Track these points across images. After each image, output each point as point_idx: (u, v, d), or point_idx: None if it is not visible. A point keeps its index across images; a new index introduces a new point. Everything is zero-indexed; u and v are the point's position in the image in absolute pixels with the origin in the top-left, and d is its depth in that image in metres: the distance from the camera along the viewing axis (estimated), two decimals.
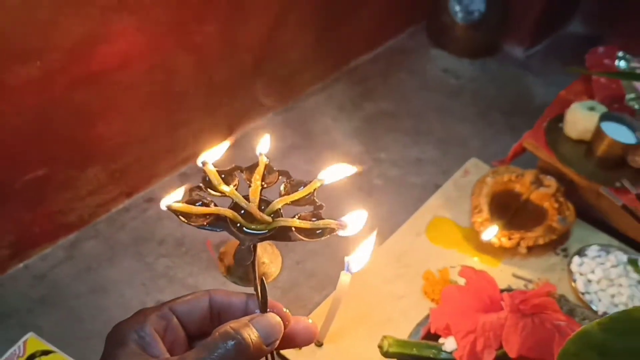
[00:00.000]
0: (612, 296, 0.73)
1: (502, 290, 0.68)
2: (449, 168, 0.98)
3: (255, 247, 0.41)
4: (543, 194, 0.81)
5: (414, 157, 1.03)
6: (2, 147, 0.67)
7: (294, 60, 1.03)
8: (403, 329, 0.68)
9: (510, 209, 0.82)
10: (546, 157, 0.84)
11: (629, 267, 0.75)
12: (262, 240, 0.41)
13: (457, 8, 1.25)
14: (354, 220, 0.42)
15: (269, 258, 0.48)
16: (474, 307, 0.65)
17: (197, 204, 0.41)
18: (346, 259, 0.60)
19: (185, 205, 0.40)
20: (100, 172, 0.79)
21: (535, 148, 0.85)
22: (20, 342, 0.69)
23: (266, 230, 0.41)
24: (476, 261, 0.78)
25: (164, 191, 0.84)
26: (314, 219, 0.42)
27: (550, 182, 0.82)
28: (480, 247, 0.79)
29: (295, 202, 0.43)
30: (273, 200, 0.43)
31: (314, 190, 0.44)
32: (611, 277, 0.74)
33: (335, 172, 0.45)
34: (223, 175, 0.44)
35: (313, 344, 0.66)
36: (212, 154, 0.44)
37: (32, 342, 0.69)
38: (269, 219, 0.41)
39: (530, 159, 0.90)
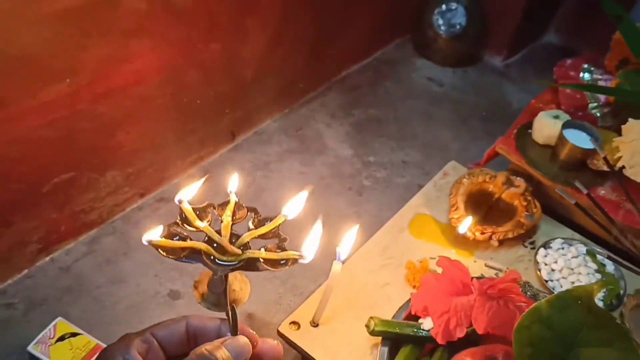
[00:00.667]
0: (572, 283, 0.82)
1: (475, 278, 0.78)
2: (431, 170, 1.07)
3: (226, 276, 0.45)
4: (513, 193, 0.90)
5: (399, 160, 1.12)
6: (34, 155, 0.75)
7: (289, 72, 1.12)
8: (387, 312, 0.77)
9: (483, 207, 0.90)
10: (516, 160, 0.93)
11: (588, 258, 0.85)
12: (232, 270, 0.45)
13: (440, 22, 1.34)
14: (310, 249, 0.47)
15: (239, 285, 0.49)
16: (448, 291, 0.74)
17: (175, 238, 0.45)
18: (337, 249, 0.70)
19: (164, 240, 0.44)
20: (117, 175, 0.88)
21: (507, 152, 0.94)
22: (51, 326, 0.77)
23: (236, 262, 0.45)
24: (453, 253, 0.86)
25: (173, 192, 0.96)
26: (278, 250, 0.46)
27: (520, 182, 0.91)
28: (457, 241, 0.87)
29: (262, 236, 0.48)
30: (242, 234, 0.47)
31: (279, 225, 0.48)
32: (572, 267, 0.84)
33: (296, 205, 0.50)
34: (198, 212, 0.47)
35: (310, 325, 0.75)
36: (188, 192, 0.48)
37: (62, 325, 0.77)
38: (238, 251, 0.45)
39: (503, 162, 0.98)
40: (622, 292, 0.82)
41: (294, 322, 0.75)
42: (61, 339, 0.77)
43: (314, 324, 0.75)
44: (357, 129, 1.17)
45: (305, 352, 0.73)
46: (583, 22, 1.44)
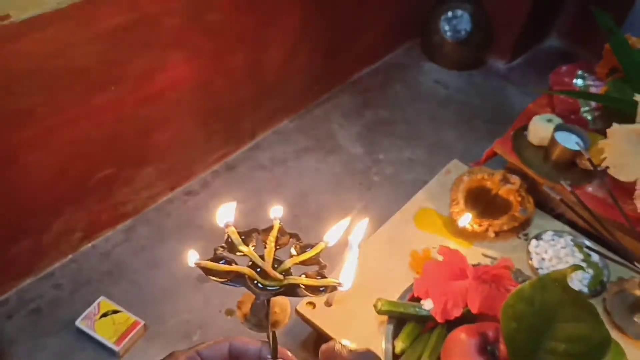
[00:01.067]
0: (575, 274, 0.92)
1: (472, 265, 0.87)
2: (436, 167, 1.13)
3: (269, 301, 0.46)
4: (509, 189, 0.98)
5: (406, 158, 1.20)
6: (85, 153, 0.85)
7: (305, 77, 1.21)
8: (393, 294, 0.84)
9: (482, 202, 0.98)
10: (512, 159, 1.01)
11: (575, 249, 0.93)
12: (275, 295, 0.46)
13: (447, 27, 1.42)
14: (348, 278, 0.48)
15: (280, 307, 0.49)
16: (447, 276, 0.82)
17: (221, 261, 0.46)
18: (349, 238, 0.79)
19: (210, 262, 0.45)
20: (152, 171, 0.98)
21: (504, 152, 1.03)
22: (95, 304, 0.86)
23: (278, 287, 0.45)
24: (453, 243, 0.95)
25: (200, 186, 1.05)
26: (318, 277, 0.47)
27: (515, 180, 0.98)
28: (457, 232, 0.95)
29: (302, 262, 0.48)
30: (284, 260, 0.48)
31: (320, 251, 0.49)
32: (560, 256, 0.92)
33: (336, 233, 0.51)
34: (243, 237, 0.49)
35: (324, 305, 0.85)
36: (229, 214, 0.50)
37: (104, 304, 0.86)
38: (280, 277, 0.46)
39: (500, 161, 1.05)
40: (605, 279, 0.91)
41: (310, 303, 0.83)
42: (104, 315, 0.86)
43: (328, 304, 0.83)
44: (368, 129, 1.26)
45: (320, 328, 0.82)
46: (585, 27, 1.50)
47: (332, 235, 0.51)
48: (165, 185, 1.03)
